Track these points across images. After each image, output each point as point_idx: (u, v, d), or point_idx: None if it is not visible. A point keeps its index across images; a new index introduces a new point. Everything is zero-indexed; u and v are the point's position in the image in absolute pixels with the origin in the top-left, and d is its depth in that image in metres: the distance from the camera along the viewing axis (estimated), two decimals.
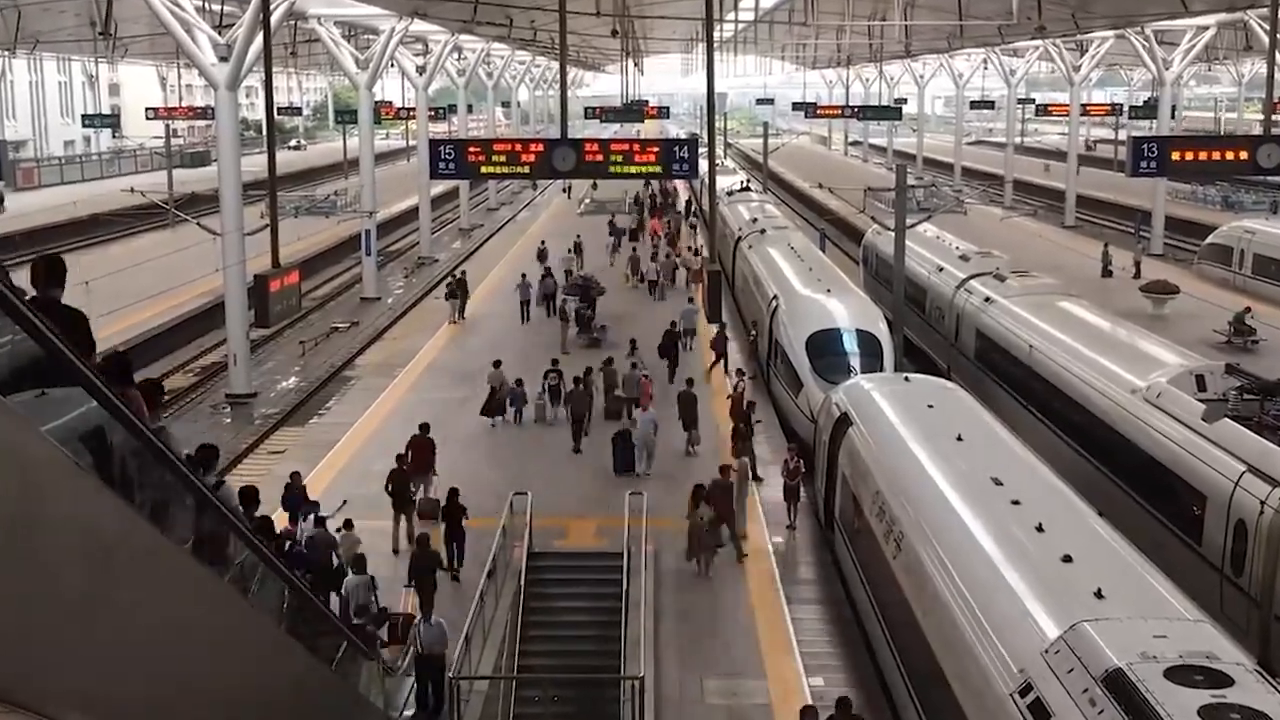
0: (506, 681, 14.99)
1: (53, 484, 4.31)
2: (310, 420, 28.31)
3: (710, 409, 24.73)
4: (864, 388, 19.70)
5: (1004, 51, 70.02)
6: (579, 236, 44.41)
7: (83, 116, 79.91)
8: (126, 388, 6.51)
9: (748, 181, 60.75)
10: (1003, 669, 10.29)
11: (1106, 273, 41.07)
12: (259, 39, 27.28)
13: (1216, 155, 22.30)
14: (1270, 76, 22.06)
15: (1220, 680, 8.84)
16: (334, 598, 14.35)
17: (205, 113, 69.67)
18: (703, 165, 24.66)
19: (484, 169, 21.18)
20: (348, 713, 10.95)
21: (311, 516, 16.27)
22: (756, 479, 20.89)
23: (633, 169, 20.87)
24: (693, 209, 61.68)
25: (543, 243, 43.83)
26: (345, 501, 18.63)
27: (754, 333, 31.77)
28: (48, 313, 4.80)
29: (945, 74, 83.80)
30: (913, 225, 28.92)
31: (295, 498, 17.52)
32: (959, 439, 15.70)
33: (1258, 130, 36.18)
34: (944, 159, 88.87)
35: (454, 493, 17.82)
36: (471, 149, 21.04)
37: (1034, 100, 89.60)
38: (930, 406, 17.64)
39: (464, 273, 39.16)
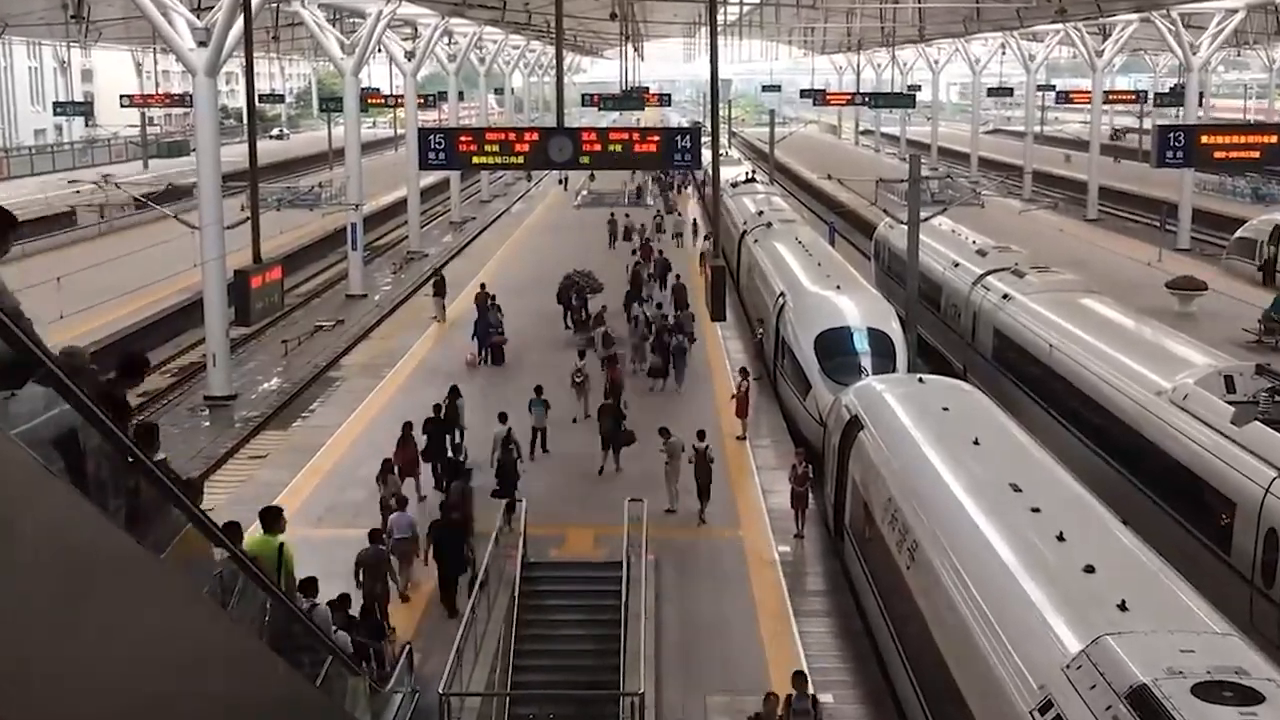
0: (500, 699, 14.99)
1: (20, 487, 4.31)
2: (293, 423, 28.31)
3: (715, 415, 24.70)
4: (875, 389, 19.71)
5: (1023, 36, 70.06)
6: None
7: (54, 104, 79.87)
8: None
9: (753, 172, 60.79)
10: (1021, 685, 10.29)
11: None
12: (239, 22, 27.25)
13: (1246, 145, 22.35)
14: None
15: (1251, 697, 8.84)
16: None
17: (183, 100, 69.82)
18: (706, 155, 24.68)
19: (476, 159, 21.24)
20: None
21: None
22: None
23: (632, 159, 20.90)
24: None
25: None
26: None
27: (760, 332, 31.77)
28: None
29: (961, 59, 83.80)
30: (927, 218, 28.90)
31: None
32: (975, 443, 15.71)
33: None
34: (960, 149, 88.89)
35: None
36: (463, 138, 21.10)
37: (1054, 87, 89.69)
38: (945, 409, 17.65)
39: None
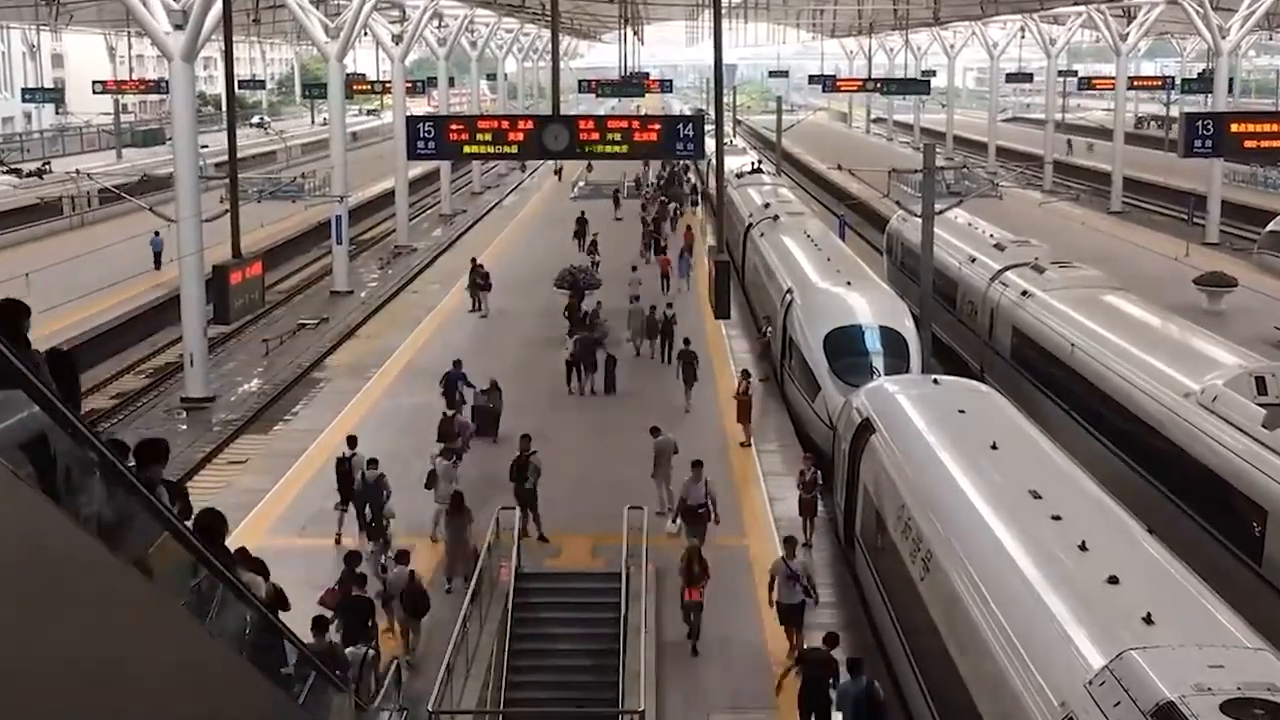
0: (492, 716, 15.00)
1: None
2: (275, 427, 28.29)
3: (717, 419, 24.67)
4: (888, 391, 19.71)
5: (1043, 18, 70.06)
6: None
7: (22, 90, 79.89)
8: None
9: (759, 162, 60.81)
10: (1042, 702, 10.29)
11: None
12: (218, 4, 27.27)
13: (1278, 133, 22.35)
14: None
15: None
16: None
17: (159, 86, 69.85)
18: (709, 144, 24.70)
19: (467, 149, 21.24)
20: None
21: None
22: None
23: (632, 149, 20.89)
24: (697, 190, 61.75)
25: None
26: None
27: (766, 330, 31.78)
28: None
29: (978, 43, 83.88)
30: (942, 211, 28.91)
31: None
32: (993, 447, 15.71)
33: None
34: (977, 138, 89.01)
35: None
36: (453, 127, 21.06)
37: (1076, 73, 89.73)
38: (961, 411, 17.65)
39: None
